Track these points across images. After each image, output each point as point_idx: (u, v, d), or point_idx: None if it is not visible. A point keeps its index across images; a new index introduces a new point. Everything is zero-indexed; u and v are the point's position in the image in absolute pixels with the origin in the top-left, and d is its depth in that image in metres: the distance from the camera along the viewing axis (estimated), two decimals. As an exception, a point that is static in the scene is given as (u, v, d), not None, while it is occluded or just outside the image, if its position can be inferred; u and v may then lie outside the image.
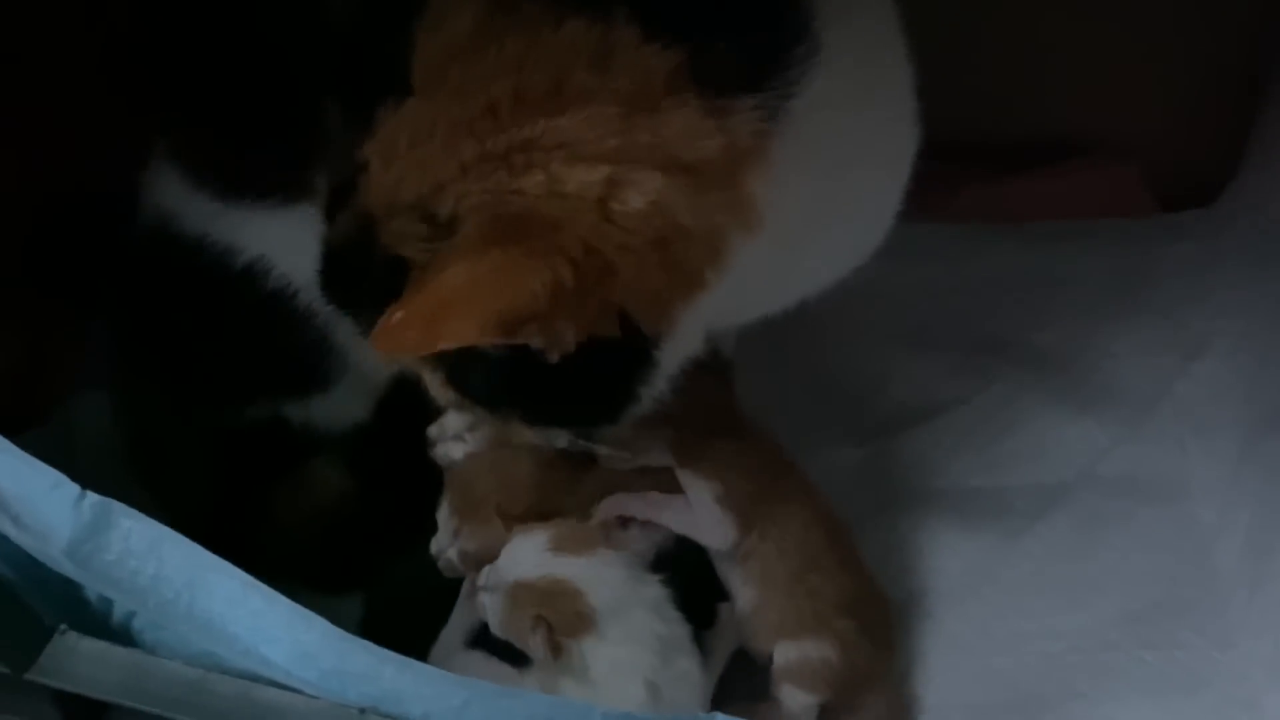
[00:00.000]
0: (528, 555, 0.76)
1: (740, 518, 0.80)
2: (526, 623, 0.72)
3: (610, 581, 0.76)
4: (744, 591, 0.81)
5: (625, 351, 0.61)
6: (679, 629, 0.77)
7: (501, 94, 0.57)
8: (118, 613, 0.61)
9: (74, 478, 0.58)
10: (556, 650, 0.71)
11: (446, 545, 0.81)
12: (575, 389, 0.63)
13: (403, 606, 0.86)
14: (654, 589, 0.77)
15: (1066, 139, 1.18)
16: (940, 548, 0.93)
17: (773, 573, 0.81)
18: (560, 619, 0.72)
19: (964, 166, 1.09)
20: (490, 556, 0.78)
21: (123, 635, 0.61)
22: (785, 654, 0.80)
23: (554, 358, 0.59)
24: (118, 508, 0.57)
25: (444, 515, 0.82)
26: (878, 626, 0.83)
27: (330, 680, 0.56)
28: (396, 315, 0.56)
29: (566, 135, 0.57)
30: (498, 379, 0.63)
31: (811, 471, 0.85)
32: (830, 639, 0.79)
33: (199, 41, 0.82)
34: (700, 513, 0.80)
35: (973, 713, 0.83)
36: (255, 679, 0.59)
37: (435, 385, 0.66)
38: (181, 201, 0.79)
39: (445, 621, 0.80)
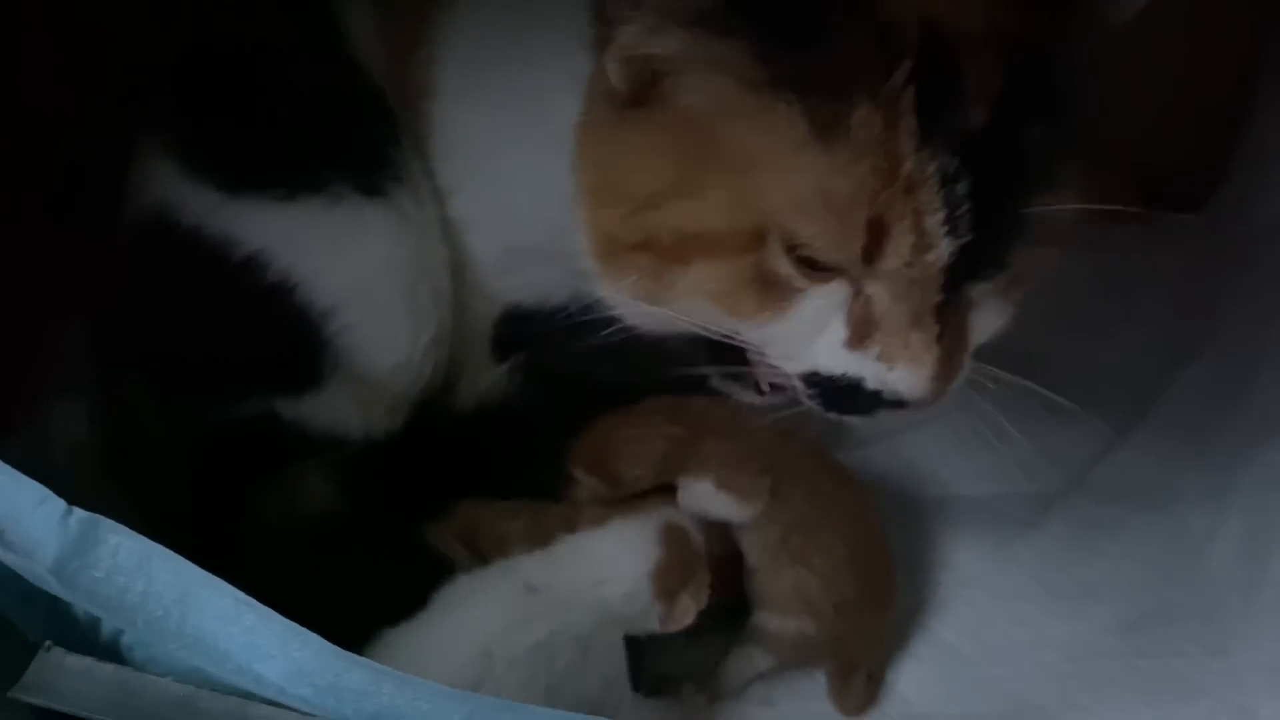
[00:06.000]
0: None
1: (741, 496, 0.81)
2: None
3: None
4: (750, 557, 0.83)
5: None
6: None
7: None
8: (105, 629, 0.60)
9: (51, 487, 0.56)
10: None
11: None
12: None
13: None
14: None
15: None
16: (932, 557, 0.93)
17: (768, 543, 0.82)
18: None
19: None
20: None
21: (110, 652, 0.60)
22: (766, 621, 0.82)
23: None
24: (105, 523, 0.55)
25: None
26: (874, 606, 0.83)
27: (326, 697, 0.55)
28: None
29: None
30: None
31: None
32: (811, 619, 0.81)
33: (198, 31, 0.81)
34: (710, 503, 0.82)
35: (969, 723, 0.83)
36: (248, 696, 0.57)
37: None
38: (178, 193, 0.78)
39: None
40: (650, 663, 0.79)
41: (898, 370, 0.60)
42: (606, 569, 0.76)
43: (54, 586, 0.56)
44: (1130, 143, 1.16)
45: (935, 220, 0.56)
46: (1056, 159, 0.59)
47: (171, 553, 0.56)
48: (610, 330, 0.72)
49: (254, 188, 0.78)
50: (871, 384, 0.62)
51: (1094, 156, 1.15)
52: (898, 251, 0.58)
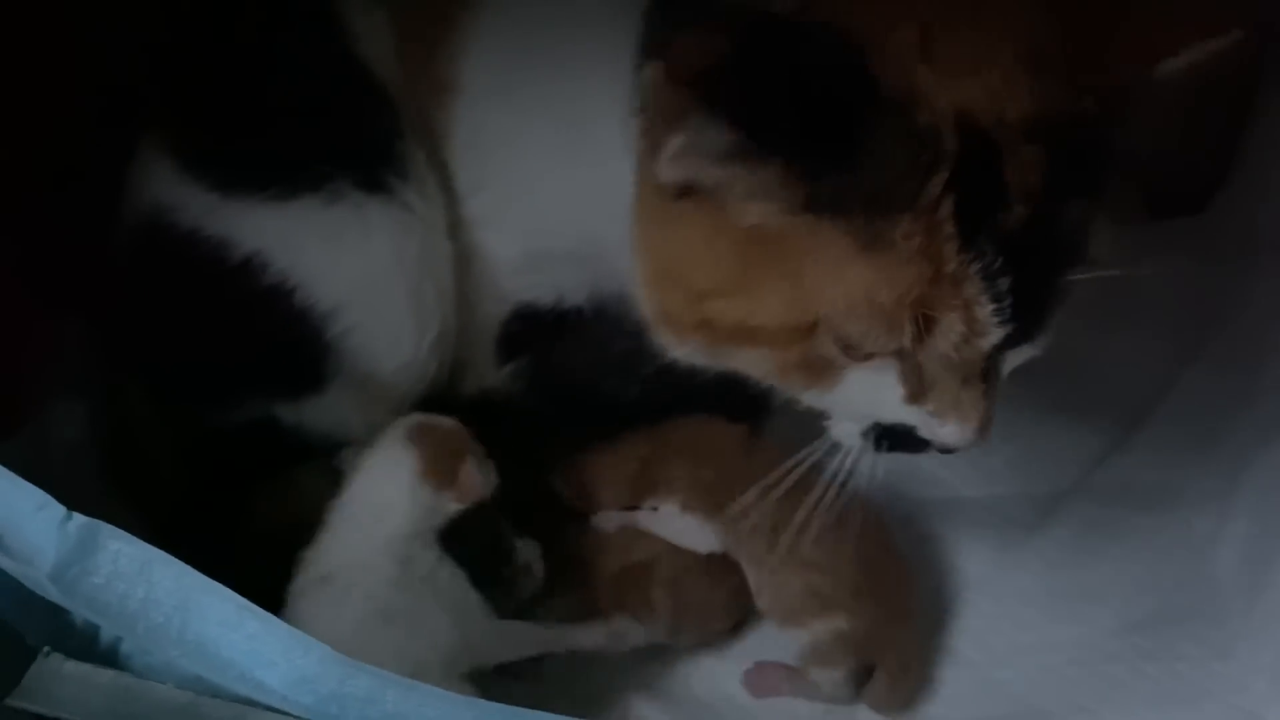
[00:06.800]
0: None
1: (708, 517, 0.83)
2: None
3: None
4: (750, 577, 0.83)
5: None
6: None
7: None
8: (105, 635, 0.59)
9: (48, 490, 0.56)
10: None
11: None
12: None
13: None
14: None
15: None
16: (936, 560, 0.93)
17: (757, 553, 0.82)
18: None
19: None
20: None
21: (110, 659, 0.59)
22: (800, 640, 0.82)
23: None
24: (105, 529, 0.54)
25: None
26: (889, 587, 0.83)
27: (329, 705, 0.54)
28: None
29: None
30: None
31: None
32: (836, 613, 0.81)
33: (194, 30, 0.81)
34: (677, 525, 0.83)
35: (975, 727, 0.82)
36: (249, 704, 0.57)
37: None
38: (175, 195, 0.78)
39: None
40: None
41: (949, 425, 0.62)
42: (376, 503, 0.75)
43: (53, 593, 0.55)
44: (1131, 145, 1.16)
45: (984, 311, 0.58)
46: (1093, 226, 0.60)
47: (172, 558, 0.55)
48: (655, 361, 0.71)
49: (250, 188, 0.77)
50: (924, 433, 0.64)
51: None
52: (946, 339, 0.59)
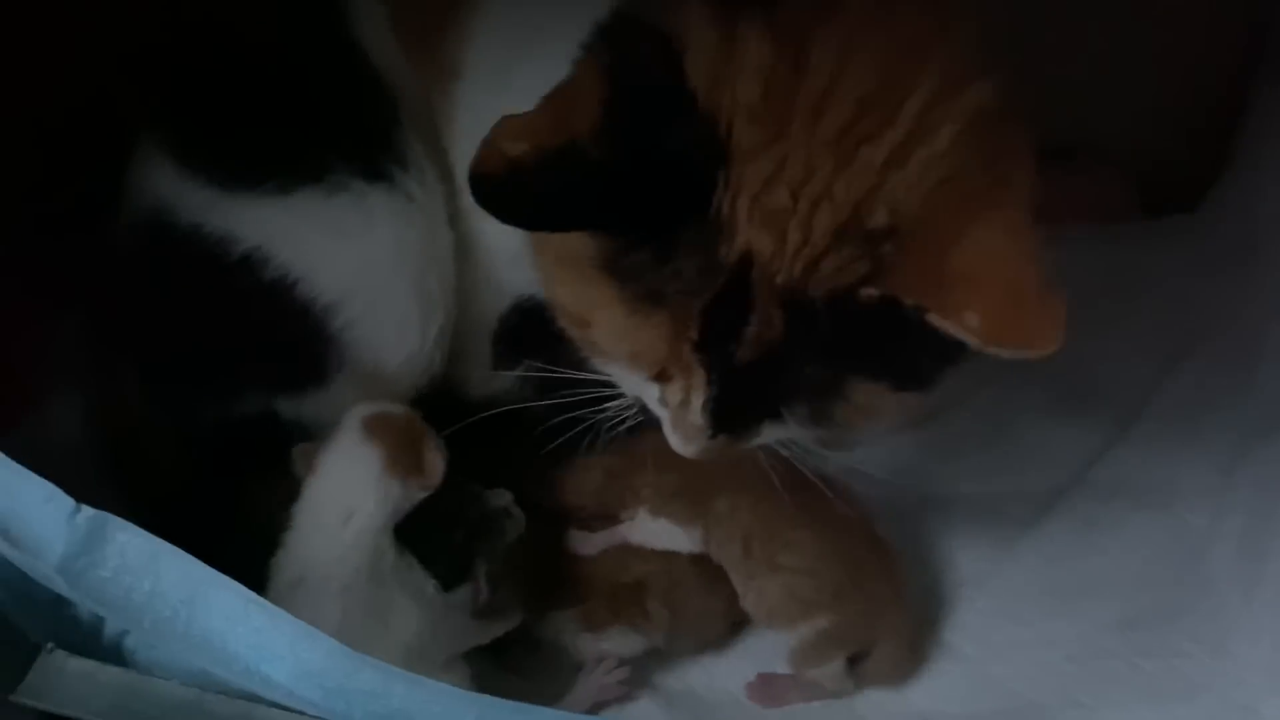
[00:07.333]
0: None
1: (680, 521, 0.83)
2: None
3: None
4: (732, 580, 0.84)
5: None
6: None
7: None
8: (108, 631, 0.59)
9: (51, 479, 0.55)
10: None
11: None
12: None
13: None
14: None
15: (1053, 145, 1.17)
16: (933, 555, 0.93)
17: (734, 559, 0.83)
18: None
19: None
20: None
21: (114, 654, 0.59)
22: (787, 641, 0.82)
23: None
24: (114, 522, 0.54)
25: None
26: (873, 578, 0.83)
27: (335, 699, 0.54)
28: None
29: None
30: None
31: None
32: (818, 614, 0.81)
33: (190, 24, 0.80)
34: (652, 529, 0.84)
35: (972, 722, 0.83)
36: (254, 699, 0.57)
37: None
38: (175, 191, 0.77)
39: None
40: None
41: (673, 435, 0.67)
42: (343, 502, 0.74)
43: (60, 585, 0.55)
44: (1126, 141, 1.17)
45: (698, 400, 0.64)
46: (849, 389, 0.63)
47: (180, 551, 0.55)
48: None
49: (249, 183, 0.76)
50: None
51: (1091, 157, 1.17)
52: (673, 396, 0.65)
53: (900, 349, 0.60)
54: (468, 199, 0.82)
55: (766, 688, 0.84)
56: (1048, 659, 0.86)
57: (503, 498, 0.81)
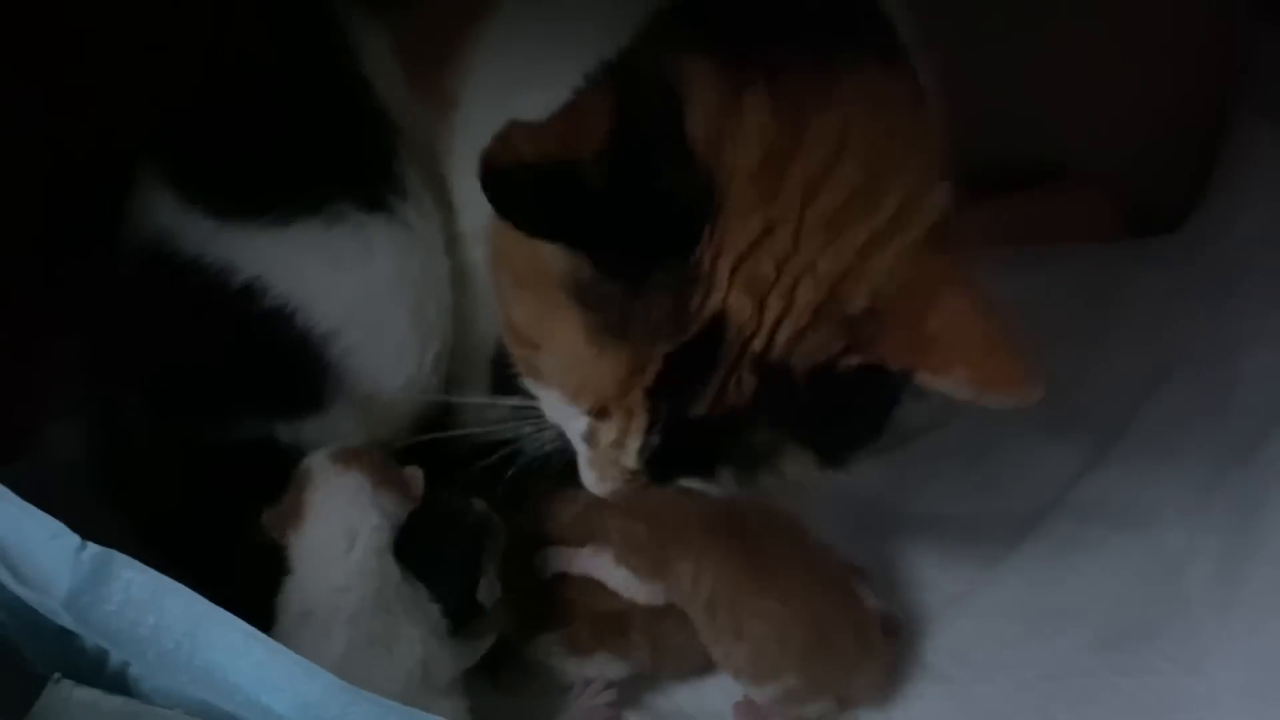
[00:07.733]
0: None
1: (643, 575, 0.84)
2: None
3: None
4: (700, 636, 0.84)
5: None
6: None
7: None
8: (113, 662, 0.60)
9: (52, 512, 0.57)
10: None
11: None
12: None
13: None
14: None
15: (1037, 165, 1.19)
16: (914, 576, 0.94)
17: (699, 620, 0.83)
18: None
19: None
20: None
21: (118, 684, 0.60)
22: (754, 694, 0.84)
23: None
24: (118, 559, 0.56)
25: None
26: (844, 636, 0.83)
27: (333, 730, 0.56)
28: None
29: None
30: None
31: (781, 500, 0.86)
32: (785, 675, 0.82)
33: (193, 58, 0.81)
34: (613, 574, 0.85)
35: (952, 742, 0.84)
36: (254, 729, 0.58)
37: None
38: (175, 222, 0.79)
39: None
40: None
41: (588, 474, 0.69)
42: (343, 530, 0.75)
43: (66, 620, 0.57)
44: (1109, 163, 1.18)
45: (633, 445, 0.65)
46: (788, 455, 0.65)
47: (182, 587, 0.57)
48: None
49: (248, 214, 0.78)
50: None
51: (1074, 178, 1.19)
52: (606, 433, 0.65)
53: (848, 421, 0.64)
54: (464, 223, 0.84)
55: (752, 711, 0.85)
56: (1027, 679, 0.87)
57: (481, 504, 0.82)
